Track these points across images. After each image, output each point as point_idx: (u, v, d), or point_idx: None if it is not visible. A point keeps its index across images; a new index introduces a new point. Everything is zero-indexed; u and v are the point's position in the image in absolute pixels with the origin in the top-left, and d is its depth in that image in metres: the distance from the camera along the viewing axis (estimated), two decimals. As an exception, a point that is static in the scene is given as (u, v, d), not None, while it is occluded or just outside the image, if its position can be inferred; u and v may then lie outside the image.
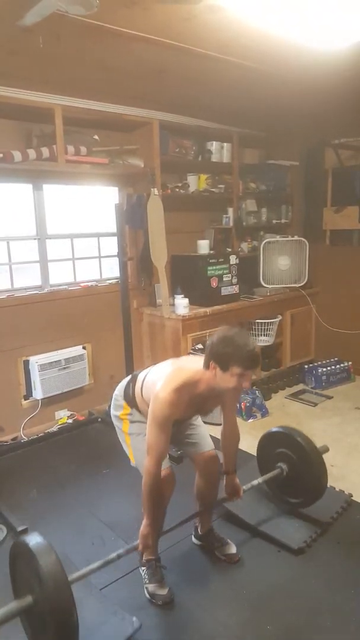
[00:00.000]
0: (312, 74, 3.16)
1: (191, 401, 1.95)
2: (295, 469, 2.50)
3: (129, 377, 2.26)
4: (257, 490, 2.80)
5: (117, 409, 2.22)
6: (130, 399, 2.16)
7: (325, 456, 3.11)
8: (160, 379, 1.94)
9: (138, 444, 2.10)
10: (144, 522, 1.98)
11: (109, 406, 3.97)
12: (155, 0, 2.11)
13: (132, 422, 2.17)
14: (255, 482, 2.51)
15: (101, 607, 2.04)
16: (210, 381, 1.90)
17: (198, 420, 2.27)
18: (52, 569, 1.56)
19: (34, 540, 1.65)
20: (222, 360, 1.83)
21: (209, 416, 2.27)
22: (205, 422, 2.35)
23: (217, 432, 2.33)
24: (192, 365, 1.98)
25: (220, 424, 2.27)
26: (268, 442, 2.66)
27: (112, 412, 2.26)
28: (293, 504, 2.57)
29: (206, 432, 2.30)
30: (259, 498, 2.73)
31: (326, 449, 2.64)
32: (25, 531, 2.51)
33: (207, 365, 1.88)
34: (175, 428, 2.05)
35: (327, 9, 2.14)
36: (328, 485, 2.88)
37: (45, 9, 1.99)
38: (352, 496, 2.77)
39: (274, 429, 2.67)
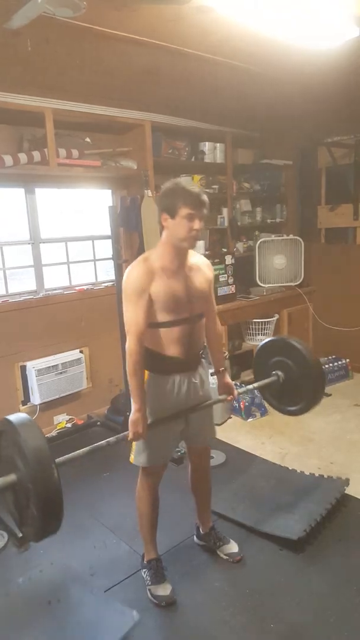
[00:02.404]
0: (304, 73, 3.16)
1: (171, 272, 1.93)
2: (292, 374, 2.47)
3: None
4: (252, 492, 2.81)
5: None
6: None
7: (325, 453, 3.13)
8: None
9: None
10: (133, 407, 1.93)
11: (108, 409, 3.99)
12: (144, 1, 2.11)
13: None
14: (250, 386, 2.50)
15: (101, 602, 2.03)
16: (168, 238, 1.91)
17: (206, 386, 2.19)
18: (36, 445, 1.52)
19: (17, 417, 1.60)
20: (169, 206, 1.87)
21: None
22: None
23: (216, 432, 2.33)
24: None
25: (222, 423, 2.26)
26: (263, 352, 2.62)
27: None
28: (291, 412, 2.56)
29: (212, 427, 2.28)
30: (255, 499, 2.74)
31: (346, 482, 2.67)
32: (25, 537, 2.50)
33: (160, 223, 1.92)
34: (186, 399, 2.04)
35: (317, 8, 2.15)
36: (325, 476, 2.89)
37: (31, 11, 1.98)
38: (349, 481, 2.79)
39: (268, 339, 2.66)
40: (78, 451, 1.83)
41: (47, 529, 1.55)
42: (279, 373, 2.50)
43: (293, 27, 2.32)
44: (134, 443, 2.11)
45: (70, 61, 2.81)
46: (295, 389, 2.48)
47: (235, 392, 2.29)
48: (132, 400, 1.94)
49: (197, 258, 2.08)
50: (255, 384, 2.53)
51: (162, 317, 1.94)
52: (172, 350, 1.99)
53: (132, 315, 1.89)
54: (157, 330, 1.96)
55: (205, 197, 1.89)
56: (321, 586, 2.14)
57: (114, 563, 2.35)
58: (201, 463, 2.32)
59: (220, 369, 2.29)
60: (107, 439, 1.92)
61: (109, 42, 2.52)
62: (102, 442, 1.89)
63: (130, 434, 1.92)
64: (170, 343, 1.98)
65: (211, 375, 2.27)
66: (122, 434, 1.95)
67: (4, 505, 1.67)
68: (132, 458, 2.14)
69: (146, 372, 2.05)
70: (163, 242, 1.94)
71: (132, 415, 1.93)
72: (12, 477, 1.56)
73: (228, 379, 2.31)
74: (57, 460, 1.64)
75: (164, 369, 2.02)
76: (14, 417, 1.59)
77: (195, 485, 2.35)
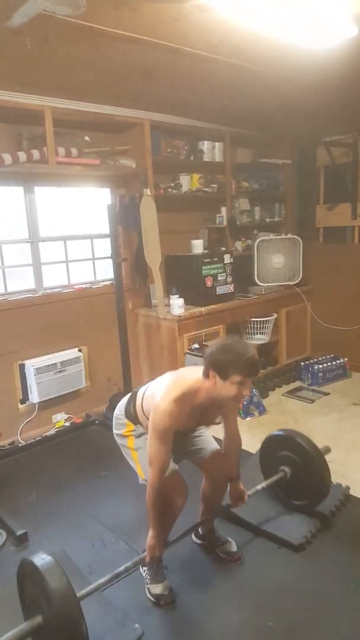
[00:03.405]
0: (303, 73, 3.16)
1: (192, 411, 1.94)
2: (299, 471, 2.49)
3: (129, 395, 2.24)
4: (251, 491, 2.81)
5: (120, 427, 2.20)
6: (132, 416, 2.15)
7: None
8: (159, 390, 1.93)
9: (146, 458, 2.04)
10: (150, 533, 1.98)
11: (107, 408, 4.00)
12: (143, 0, 2.10)
13: (137, 437, 2.14)
14: (259, 487, 2.50)
15: (104, 613, 2.02)
16: (210, 390, 1.88)
17: (200, 429, 2.26)
18: (61, 588, 1.58)
19: (40, 559, 1.66)
20: (222, 369, 1.81)
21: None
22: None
23: (216, 432, 2.33)
24: (191, 375, 1.96)
25: (219, 423, 2.26)
26: (270, 445, 2.66)
27: (115, 432, 2.23)
28: (299, 507, 2.56)
29: (210, 437, 2.29)
30: (258, 497, 2.73)
31: (328, 450, 2.64)
32: (24, 535, 2.50)
33: (206, 375, 1.87)
34: (180, 440, 2.04)
35: (316, 7, 2.15)
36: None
37: (31, 9, 1.98)
38: (349, 488, 2.78)
39: (275, 433, 2.67)
40: (100, 580, 1.90)
41: None
42: (286, 469, 2.53)
43: (292, 26, 2.32)
44: (137, 462, 2.14)
45: (69, 60, 2.81)
46: (301, 484, 2.50)
47: (246, 498, 2.32)
48: (150, 526, 2.00)
49: None
50: (264, 484, 2.53)
51: None
52: None
53: (158, 452, 1.89)
54: None
55: (258, 362, 1.86)
56: (320, 585, 2.14)
57: (113, 561, 2.35)
58: (217, 471, 2.24)
59: (235, 477, 2.28)
60: (126, 565, 1.99)
61: (109, 40, 2.52)
62: (121, 568, 1.97)
63: (147, 557, 2.01)
64: None
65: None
66: (139, 557, 2.05)
67: None
68: (141, 476, 2.14)
69: (130, 423, 2.14)
70: (205, 390, 1.89)
71: (150, 541, 1.99)
72: (38, 619, 1.63)
73: (241, 485, 2.31)
74: (79, 594, 1.72)
75: None
76: (37, 559, 1.66)
77: (207, 495, 2.31)
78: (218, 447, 2.26)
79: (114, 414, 2.24)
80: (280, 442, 2.60)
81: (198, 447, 2.22)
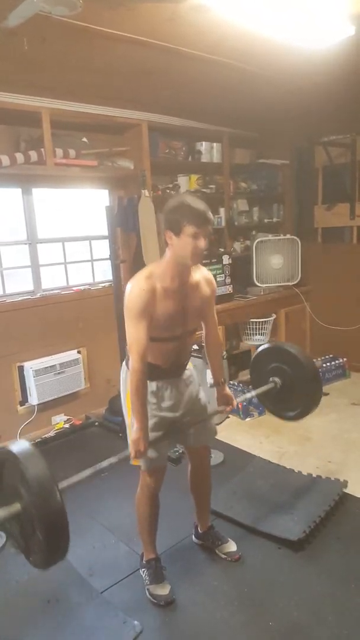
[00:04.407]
0: (300, 73, 3.17)
1: (167, 295, 1.91)
2: (289, 379, 2.48)
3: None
4: (251, 491, 2.81)
5: (123, 382, 2.15)
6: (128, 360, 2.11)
7: (323, 452, 3.13)
8: None
9: None
10: (135, 426, 1.90)
11: (106, 409, 3.99)
12: (140, 0, 2.11)
13: None
14: (248, 395, 2.52)
15: (102, 611, 2.03)
16: (172, 258, 1.88)
17: (201, 395, 2.21)
18: (40, 475, 1.51)
19: (18, 445, 1.59)
20: (174, 224, 1.83)
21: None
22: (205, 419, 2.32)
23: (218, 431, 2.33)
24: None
25: (219, 422, 2.26)
26: (259, 360, 2.63)
27: (122, 394, 2.20)
28: (291, 417, 2.56)
29: (213, 428, 2.29)
30: (254, 498, 2.73)
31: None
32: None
33: (165, 241, 1.89)
34: (186, 408, 2.06)
35: (313, 7, 2.15)
36: (324, 477, 2.90)
37: (28, 10, 1.98)
38: (347, 483, 2.79)
39: (263, 346, 2.66)
40: (80, 473, 1.84)
41: (55, 554, 1.55)
42: (276, 379, 2.51)
43: (289, 26, 2.33)
44: (130, 446, 2.11)
45: (66, 60, 2.81)
46: (293, 394, 2.49)
47: (235, 402, 2.30)
48: (133, 419, 1.92)
49: (199, 274, 2.05)
50: (253, 392, 2.54)
51: (154, 333, 1.92)
52: (156, 360, 1.99)
53: (134, 335, 1.87)
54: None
55: (210, 215, 1.86)
56: (320, 584, 2.14)
57: (113, 563, 2.35)
58: (202, 463, 2.31)
59: (220, 381, 2.29)
60: (109, 459, 1.91)
61: (106, 41, 2.52)
62: (104, 462, 1.89)
63: (132, 452, 1.91)
64: (156, 355, 1.98)
65: (210, 387, 2.28)
66: (123, 453, 1.94)
67: (10, 535, 1.67)
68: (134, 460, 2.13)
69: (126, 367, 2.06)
70: (167, 259, 1.91)
71: (134, 434, 1.90)
72: (16, 506, 1.56)
73: (227, 390, 2.30)
74: (61, 484, 1.64)
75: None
76: (15, 447, 1.59)
77: (195, 485, 2.34)
78: (208, 442, 2.32)
79: (120, 378, 2.22)
80: (268, 355, 2.58)
81: (194, 433, 2.18)
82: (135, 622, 1.94)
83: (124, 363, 2.16)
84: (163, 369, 2.02)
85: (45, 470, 1.53)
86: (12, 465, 1.56)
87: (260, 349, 2.66)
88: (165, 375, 2.05)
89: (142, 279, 1.87)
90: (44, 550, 1.51)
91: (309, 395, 2.47)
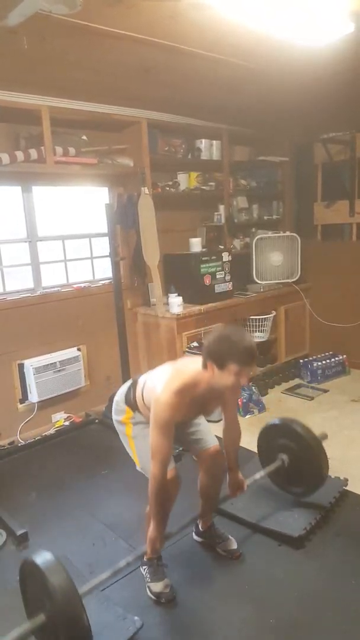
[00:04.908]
0: (300, 70, 3.16)
1: (192, 402, 1.94)
2: (296, 458, 2.51)
3: (129, 381, 2.24)
4: (253, 485, 2.81)
5: (119, 413, 2.20)
6: (132, 403, 2.15)
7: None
8: (160, 382, 1.93)
9: (142, 447, 2.07)
10: (152, 526, 1.98)
11: (106, 407, 3.99)
12: (139, -2, 2.10)
13: (135, 424, 2.15)
14: (257, 475, 2.52)
15: (103, 608, 2.03)
16: (209, 381, 1.88)
17: (200, 418, 2.27)
18: (63, 585, 1.59)
19: (42, 558, 1.67)
20: (219, 359, 1.81)
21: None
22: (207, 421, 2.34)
23: (216, 429, 2.34)
24: (190, 366, 1.96)
25: (219, 421, 2.27)
26: (267, 434, 2.67)
27: (114, 417, 2.24)
28: (296, 494, 2.58)
29: (209, 428, 2.29)
30: (255, 494, 2.74)
31: (325, 436, 2.65)
32: (24, 535, 2.50)
33: (204, 366, 1.87)
34: (179, 429, 2.04)
35: (312, 4, 2.15)
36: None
37: (28, 8, 1.98)
38: (347, 481, 2.80)
39: (272, 422, 2.69)
40: (101, 576, 1.93)
41: None
42: (284, 457, 2.54)
43: (289, 23, 2.32)
44: (134, 450, 2.15)
45: (66, 59, 2.80)
46: (300, 472, 2.52)
47: (246, 487, 2.34)
48: (152, 519, 2.00)
49: None
50: (262, 472, 2.55)
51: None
52: None
53: (160, 444, 1.88)
54: None
55: (255, 350, 1.83)
56: (320, 581, 2.15)
57: (113, 560, 2.35)
58: (215, 466, 2.24)
59: (234, 467, 2.30)
60: (127, 559, 2.01)
61: (105, 39, 2.51)
62: (122, 562, 1.99)
63: (148, 550, 2.02)
64: None
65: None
66: (140, 550, 2.04)
67: None
68: (137, 464, 2.16)
69: (129, 410, 2.14)
70: (204, 380, 1.89)
71: (151, 533, 1.99)
72: (41, 618, 1.64)
73: (240, 475, 2.33)
74: (81, 590, 1.72)
75: None
76: (38, 558, 1.67)
77: (205, 490, 2.31)
78: (217, 441, 2.27)
79: (114, 399, 2.25)
80: (277, 430, 2.62)
81: (197, 438, 2.22)
82: (135, 618, 1.94)
83: (126, 388, 2.21)
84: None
85: (67, 581, 1.62)
86: (36, 577, 1.65)
87: (269, 422, 2.70)
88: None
89: (173, 394, 1.86)
90: None
91: (315, 477, 2.49)
